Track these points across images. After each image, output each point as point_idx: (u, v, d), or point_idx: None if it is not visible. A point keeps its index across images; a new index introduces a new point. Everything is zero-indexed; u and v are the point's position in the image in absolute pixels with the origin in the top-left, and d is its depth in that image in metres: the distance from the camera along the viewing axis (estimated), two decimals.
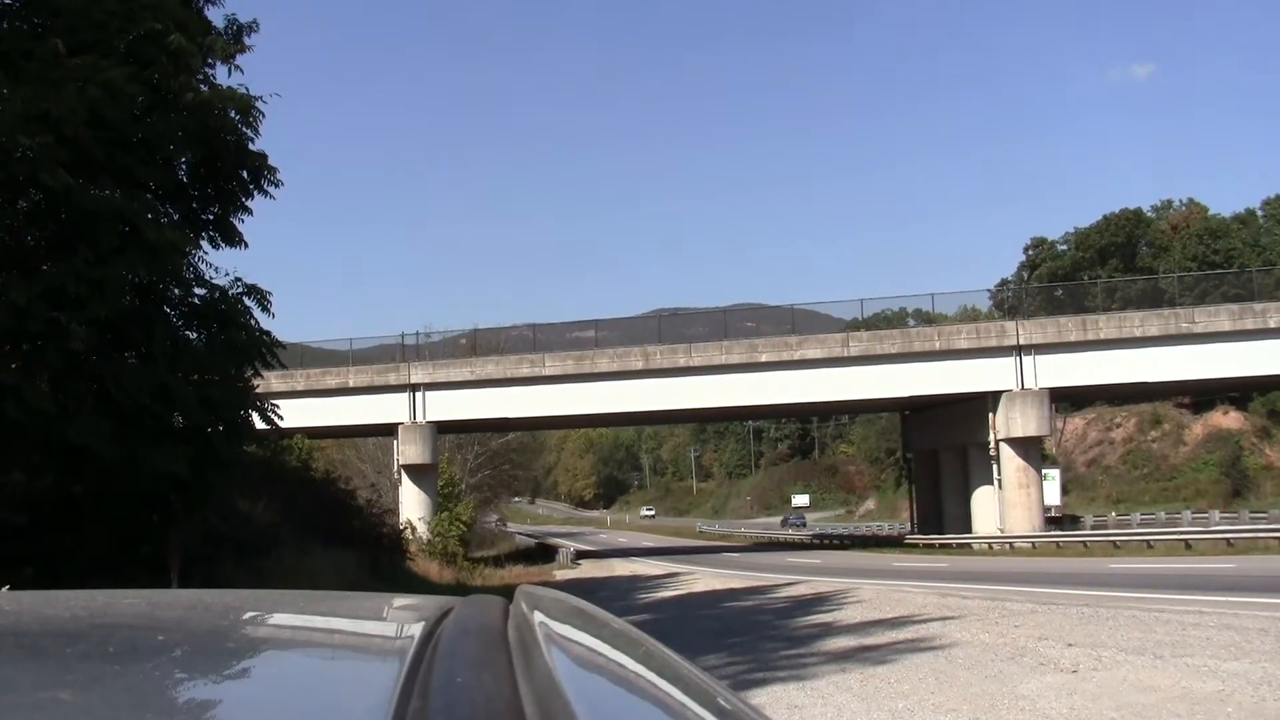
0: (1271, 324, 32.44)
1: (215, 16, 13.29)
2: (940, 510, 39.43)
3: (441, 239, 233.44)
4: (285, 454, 22.96)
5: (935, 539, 36.88)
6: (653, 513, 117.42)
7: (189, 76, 11.82)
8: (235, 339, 12.49)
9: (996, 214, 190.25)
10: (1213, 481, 55.23)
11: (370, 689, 1.09)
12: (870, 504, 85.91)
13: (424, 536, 29.90)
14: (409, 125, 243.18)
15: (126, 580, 9.57)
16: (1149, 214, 75.49)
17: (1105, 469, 63.02)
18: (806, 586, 19.73)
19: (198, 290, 12.52)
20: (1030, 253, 78.44)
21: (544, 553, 43.43)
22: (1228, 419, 59.26)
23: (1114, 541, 30.40)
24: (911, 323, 44.41)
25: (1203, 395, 55.78)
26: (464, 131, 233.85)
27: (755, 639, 12.00)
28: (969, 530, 35.74)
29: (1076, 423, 65.39)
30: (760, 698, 7.94)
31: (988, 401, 34.26)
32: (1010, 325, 34.53)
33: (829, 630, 12.45)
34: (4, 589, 1.82)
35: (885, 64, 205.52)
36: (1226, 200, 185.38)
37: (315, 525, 19.91)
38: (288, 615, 1.58)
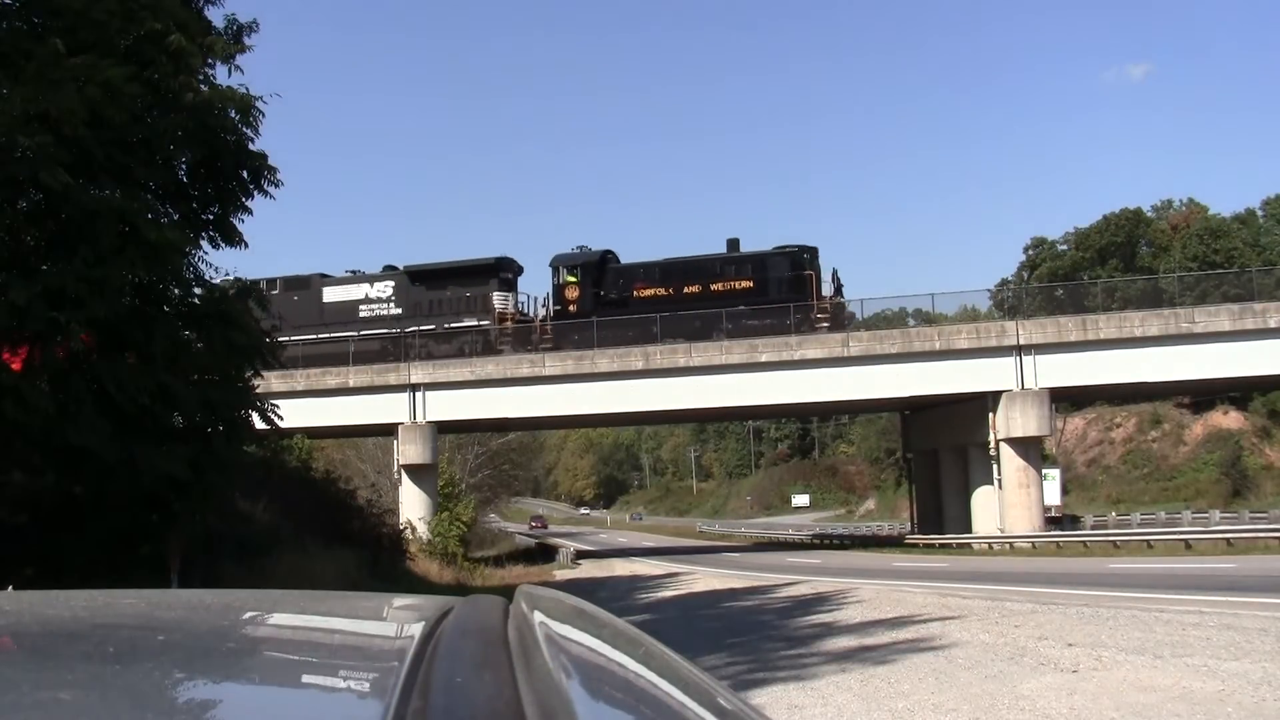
0: (1271, 324, 32.38)
1: (215, 16, 13.31)
2: (940, 510, 39.39)
3: (440, 238, 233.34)
4: (285, 454, 22.94)
5: (935, 539, 36.85)
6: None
7: (189, 76, 11.82)
8: (235, 339, 12.50)
9: (996, 214, 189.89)
10: (1213, 481, 55.20)
11: (370, 689, 1.09)
12: (870, 504, 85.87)
13: (424, 536, 29.87)
14: (405, 128, 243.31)
15: (126, 580, 9.57)
16: (1149, 214, 75.45)
17: (1105, 469, 63.00)
18: (807, 586, 19.72)
19: (197, 290, 12.53)
20: (1030, 253, 78.42)
21: (544, 553, 43.41)
22: (1228, 419, 59.24)
23: (1114, 541, 30.37)
24: (911, 323, 44.28)
25: (1203, 395, 55.74)
26: (461, 135, 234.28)
27: (755, 639, 12.00)
28: (969, 530, 35.70)
29: (1076, 423, 65.37)
30: (761, 698, 7.93)
31: (988, 401, 34.21)
32: (1010, 325, 34.49)
33: (829, 630, 12.44)
34: (6, 589, 1.81)
35: (882, 64, 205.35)
36: (1226, 200, 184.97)
37: (315, 525, 19.91)
38: (288, 615, 1.58)
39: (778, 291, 35.95)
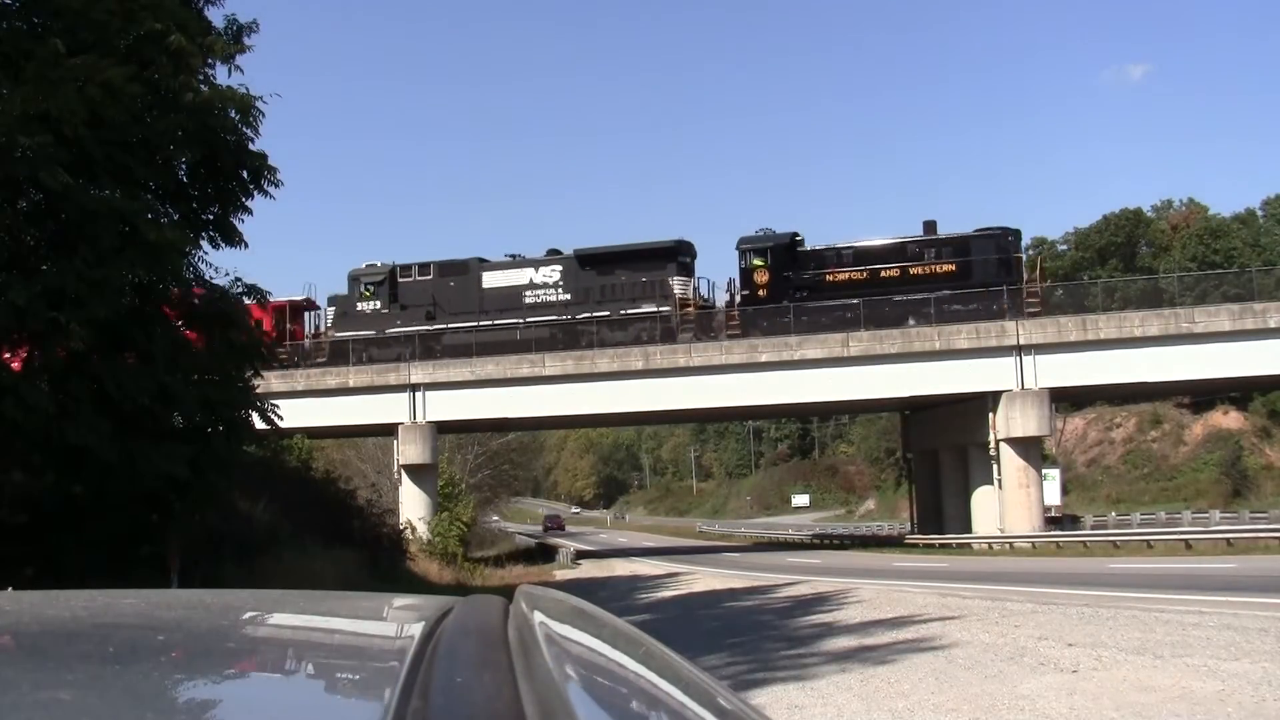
0: (1271, 324, 32.37)
1: (215, 16, 13.32)
2: (940, 510, 39.37)
3: (438, 237, 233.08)
4: (285, 454, 22.95)
5: (935, 539, 36.85)
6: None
7: (189, 76, 11.83)
8: (235, 339, 12.51)
9: (996, 214, 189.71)
10: (1213, 481, 55.20)
11: (370, 689, 1.09)
12: (870, 504, 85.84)
13: (424, 536, 29.88)
14: (407, 136, 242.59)
15: (126, 580, 9.57)
16: (1149, 214, 75.47)
17: (1105, 469, 63.00)
18: (807, 586, 19.72)
19: (198, 290, 12.53)
20: (1030, 253, 78.31)
21: (544, 553, 43.42)
22: (1228, 419, 59.25)
23: (1114, 541, 30.37)
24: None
25: (1203, 395, 55.74)
26: (461, 143, 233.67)
27: (756, 639, 12.00)
28: (969, 530, 35.70)
29: (1076, 423, 65.37)
30: (761, 698, 7.94)
31: (988, 401, 34.20)
32: (1010, 325, 34.45)
33: (829, 630, 12.45)
34: (6, 589, 1.82)
35: (878, 61, 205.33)
36: (1226, 200, 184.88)
37: (315, 525, 19.91)
38: (288, 615, 1.58)
39: (982, 275, 34.32)
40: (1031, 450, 34.70)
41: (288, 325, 38.90)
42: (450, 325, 37.79)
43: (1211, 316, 32.99)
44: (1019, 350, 33.88)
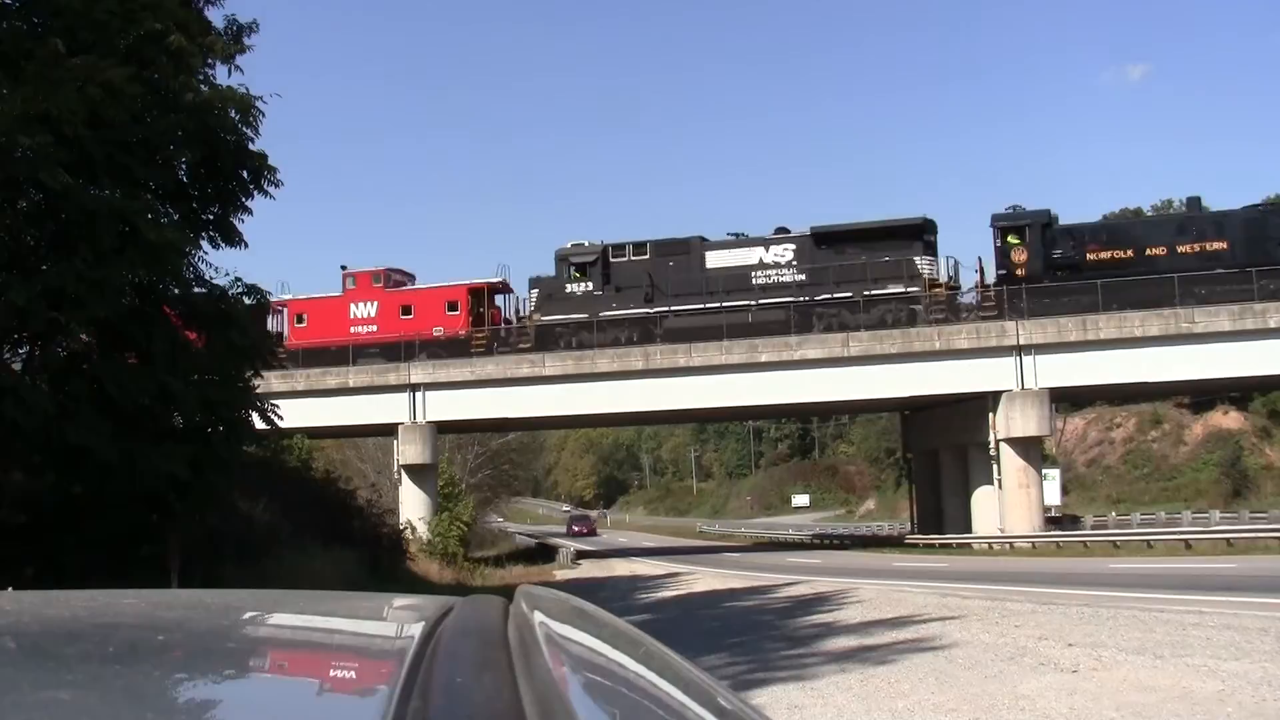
0: (1271, 324, 32.33)
1: (215, 17, 13.33)
2: (940, 510, 39.36)
3: (438, 236, 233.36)
4: (285, 454, 22.95)
5: (935, 539, 36.85)
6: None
7: (189, 76, 11.84)
8: (235, 339, 12.51)
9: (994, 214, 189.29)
10: (1213, 481, 55.15)
11: (370, 689, 1.09)
12: (870, 504, 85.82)
13: (424, 536, 29.89)
14: (404, 131, 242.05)
15: (126, 580, 9.57)
16: (1149, 214, 75.40)
17: (1105, 469, 62.96)
18: (807, 586, 19.72)
19: (197, 290, 12.54)
20: None
21: (544, 553, 43.42)
22: (1228, 419, 59.20)
23: (1114, 541, 30.37)
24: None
25: (1203, 395, 55.70)
26: (460, 143, 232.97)
27: (756, 639, 12.00)
28: (969, 530, 35.69)
29: (1076, 423, 65.33)
30: (761, 698, 7.93)
31: (988, 401, 34.19)
32: (1010, 325, 34.41)
33: (829, 630, 12.45)
34: (6, 589, 1.82)
35: (878, 61, 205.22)
36: (1226, 200, 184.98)
37: (315, 525, 19.90)
38: (288, 615, 1.58)
39: (1260, 254, 32.29)
40: (1031, 450, 34.70)
41: (485, 309, 38.09)
42: (673, 308, 36.19)
43: (1211, 316, 32.94)
44: (1019, 350, 33.87)
